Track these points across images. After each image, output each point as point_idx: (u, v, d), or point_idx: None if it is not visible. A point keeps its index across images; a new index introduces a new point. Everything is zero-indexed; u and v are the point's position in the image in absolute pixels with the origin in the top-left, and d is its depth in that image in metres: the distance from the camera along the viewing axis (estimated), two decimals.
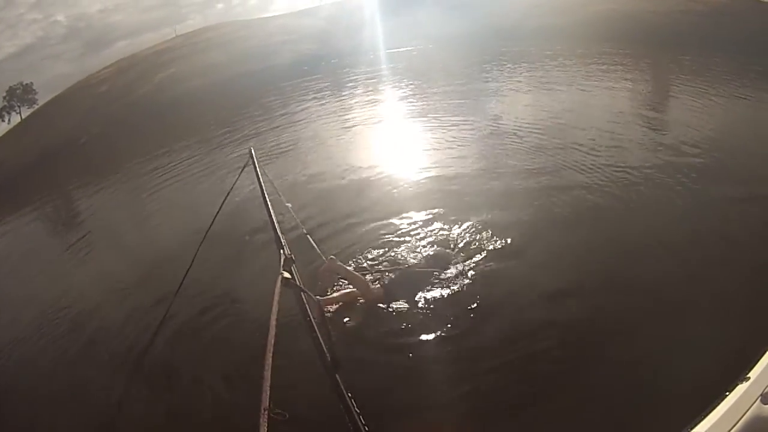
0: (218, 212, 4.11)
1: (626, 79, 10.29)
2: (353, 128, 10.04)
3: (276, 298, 1.80)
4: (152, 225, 7.56)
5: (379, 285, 3.95)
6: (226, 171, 8.49)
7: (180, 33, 38.69)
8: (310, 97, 14.74)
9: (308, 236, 4.26)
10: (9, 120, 31.96)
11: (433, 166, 6.69)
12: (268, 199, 2.96)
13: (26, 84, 32.95)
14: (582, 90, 9.72)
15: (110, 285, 5.60)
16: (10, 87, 32.58)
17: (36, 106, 32.50)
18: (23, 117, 32.02)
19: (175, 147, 12.39)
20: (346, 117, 11.06)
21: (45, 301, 5.75)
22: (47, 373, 4.33)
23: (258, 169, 3.58)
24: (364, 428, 1.42)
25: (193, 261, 4.11)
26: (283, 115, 13.09)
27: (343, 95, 14.29)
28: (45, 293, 6.09)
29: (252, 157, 3.81)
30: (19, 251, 8.90)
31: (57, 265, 7.27)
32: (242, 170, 4.04)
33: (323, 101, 13.85)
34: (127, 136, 18.10)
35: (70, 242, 8.09)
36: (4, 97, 32.33)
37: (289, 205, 4.51)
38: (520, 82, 11.46)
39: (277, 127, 11.55)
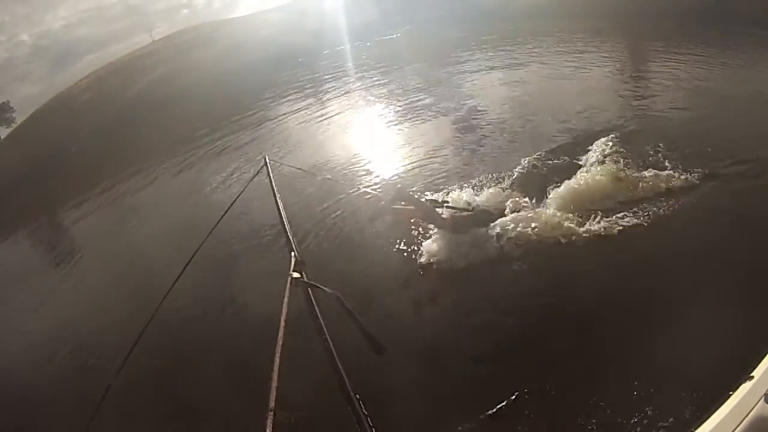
0: (221, 217, 4.08)
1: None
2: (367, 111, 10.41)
3: (285, 299, 1.79)
4: (150, 227, 7.54)
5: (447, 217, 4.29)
6: (232, 173, 8.59)
7: (156, 38, 37.94)
8: (312, 87, 14.62)
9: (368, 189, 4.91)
10: None
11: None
12: (280, 204, 2.95)
13: (2, 103, 32.14)
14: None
15: (106, 290, 5.63)
16: None
17: (14, 125, 31.75)
18: (2, 137, 31.29)
19: (173, 150, 12.24)
20: (354, 101, 11.28)
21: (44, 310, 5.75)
22: (41, 379, 4.44)
23: (272, 177, 3.55)
24: (372, 431, 1.39)
25: (188, 263, 4.09)
26: (289, 105, 12.99)
27: (347, 84, 14.14)
28: (46, 304, 6.08)
29: (266, 164, 3.77)
30: (11, 269, 8.81)
31: (55, 274, 7.28)
32: (254, 176, 4.05)
33: (327, 90, 13.80)
34: (116, 145, 17.75)
35: (64, 254, 8.06)
36: None
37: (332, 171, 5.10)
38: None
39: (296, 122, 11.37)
